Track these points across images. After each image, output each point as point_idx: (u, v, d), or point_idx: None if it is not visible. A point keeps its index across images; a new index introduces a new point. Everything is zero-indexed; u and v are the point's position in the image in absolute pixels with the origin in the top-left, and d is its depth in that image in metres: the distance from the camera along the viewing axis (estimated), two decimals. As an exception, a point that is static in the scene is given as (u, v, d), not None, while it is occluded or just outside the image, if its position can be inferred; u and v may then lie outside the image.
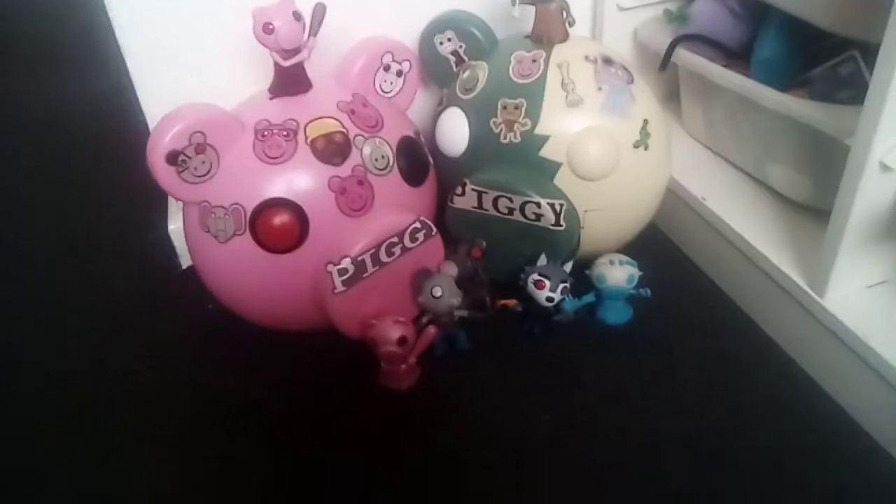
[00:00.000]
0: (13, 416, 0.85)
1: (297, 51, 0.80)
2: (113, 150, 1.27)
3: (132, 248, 1.08)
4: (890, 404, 0.71)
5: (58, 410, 0.85)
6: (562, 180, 0.85)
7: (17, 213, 1.21)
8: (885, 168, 0.67)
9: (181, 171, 0.77)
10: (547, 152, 0.85)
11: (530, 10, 0.89)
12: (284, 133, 0.79)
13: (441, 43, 0.94)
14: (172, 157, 0.75)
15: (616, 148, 0.85)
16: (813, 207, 0.88)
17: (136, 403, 0.86)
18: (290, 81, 0.82)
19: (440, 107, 0.94)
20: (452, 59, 0.95)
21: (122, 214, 1.15)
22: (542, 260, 0.86)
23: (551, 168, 0.85)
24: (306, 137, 0.79)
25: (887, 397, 0.71)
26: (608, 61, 0.88)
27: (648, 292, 0.87)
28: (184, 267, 1.01)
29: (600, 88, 0.86)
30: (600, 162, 0.85)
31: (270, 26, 0.77)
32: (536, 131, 0.85)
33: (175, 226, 0.99)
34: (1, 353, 0.93)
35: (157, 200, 1.04)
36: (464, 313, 0.86)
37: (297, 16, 0.78)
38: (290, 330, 0.88)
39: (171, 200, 1.02)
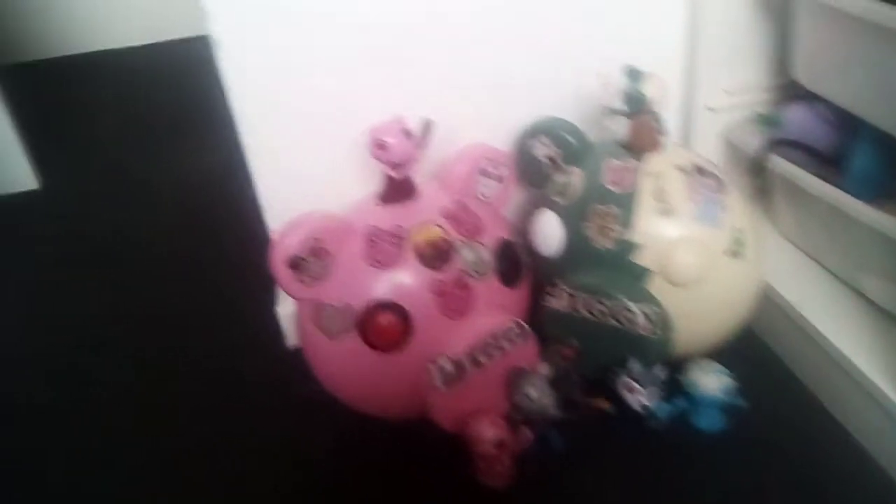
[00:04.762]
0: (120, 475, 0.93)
1: (406, 164, 0.86)
2: (230, 232, 1.36)
3: (243, 325, 1.15)
4: None
5: (162, 475, 0.93)
6: (654, 286, 0.88)
7: (144, 279, 1.32)
8: None
9: (300, 274, 0.84)
10: (639, 259, 0.88)
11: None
12: (392, 239, 0.85)
13: (536, 147, 1.00)
14: (293, 262, 0.82)
15: (708, 256, 0.87)
16: (913, 320, 0.88)
17: (235, 474, 0.92)
18: (399, 190, 0.88)
19: (535, 207, 0.99)
20: (547, 162, 0.99)
21: (236, 291, 1.23)
22: (636, 364, 0.88)
23: (644, 274, 0.88)
24: (412, 243, 0.85)
25: None
26: (701, 171, 0.91)
27: (742, 401, 0.88)
28: (290, 347, 1.08)
29: (692, 198, 0.88)
30: (692, 270, 0.87)
31: (384, 144, 0.84)
32: (629, 238, 0.88)
33: (283, 307, 1.07)
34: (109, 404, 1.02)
35: (267, 282, 1.11)
36: (556, 413, 0.88)
37: (408, 133, 0.85)
38: (390, 418, 0.92)
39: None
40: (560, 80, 1.02)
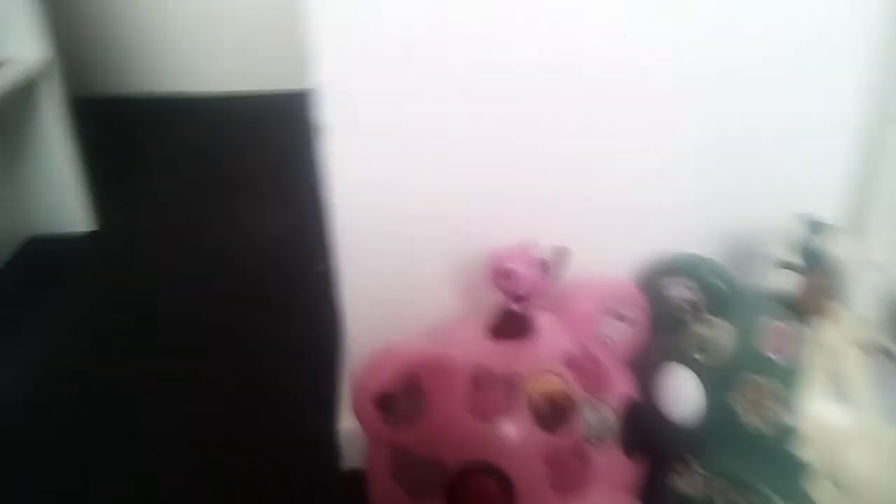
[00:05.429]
0: None
1: (532, 298, 0.72)
2: (288, 313, 1.22)
3: (292, 436, 1.00)
4: None
5: None
6: (815, 488, 0.71)
7: (187, 361, 1.17)
8: None
9: (386, 414, 0.68)
10: (801, 451, 0.71)
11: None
12: (503, 386, 0.70)
13: (671, 288, 0.84)
14: (382, 401, 0.67)
15: (889, 459, 0.70)
16: None
17: None
18: (516, 326, 0.74)
19: (663, 358, 0.83)
20: (686, 308, 0.84)
21: (289, 392, 1.07)
22: (782, 582, 0.70)
23: (804, 471, 0.71)
24: (527, 394, 0.70)
25: None
26: (887, 352, 0.74)
27: None
28: (344, 469, 0.92)
29: (875, 382, 0.72)
30: (868, 474, 0.70)
31: (511, 272, 0.69)
32: (790, 423, 0.71)
33: (342, 425, 0.91)
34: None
35: (330, 395, 0.97)
36: None
37: (543, 264, 0.70)
38: None
39: (342, 397, 0.95)
40: (706, 212, 0.87)
